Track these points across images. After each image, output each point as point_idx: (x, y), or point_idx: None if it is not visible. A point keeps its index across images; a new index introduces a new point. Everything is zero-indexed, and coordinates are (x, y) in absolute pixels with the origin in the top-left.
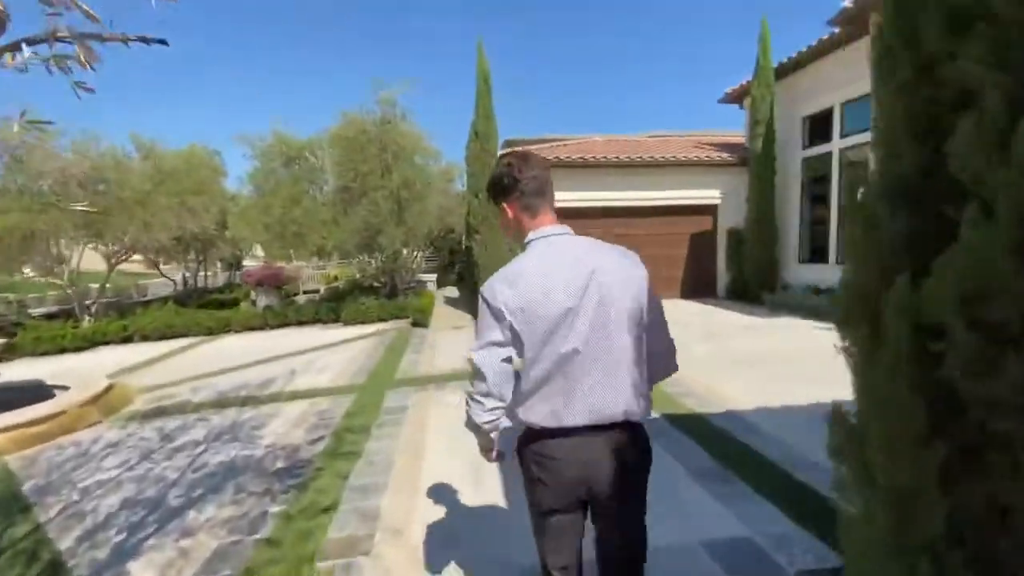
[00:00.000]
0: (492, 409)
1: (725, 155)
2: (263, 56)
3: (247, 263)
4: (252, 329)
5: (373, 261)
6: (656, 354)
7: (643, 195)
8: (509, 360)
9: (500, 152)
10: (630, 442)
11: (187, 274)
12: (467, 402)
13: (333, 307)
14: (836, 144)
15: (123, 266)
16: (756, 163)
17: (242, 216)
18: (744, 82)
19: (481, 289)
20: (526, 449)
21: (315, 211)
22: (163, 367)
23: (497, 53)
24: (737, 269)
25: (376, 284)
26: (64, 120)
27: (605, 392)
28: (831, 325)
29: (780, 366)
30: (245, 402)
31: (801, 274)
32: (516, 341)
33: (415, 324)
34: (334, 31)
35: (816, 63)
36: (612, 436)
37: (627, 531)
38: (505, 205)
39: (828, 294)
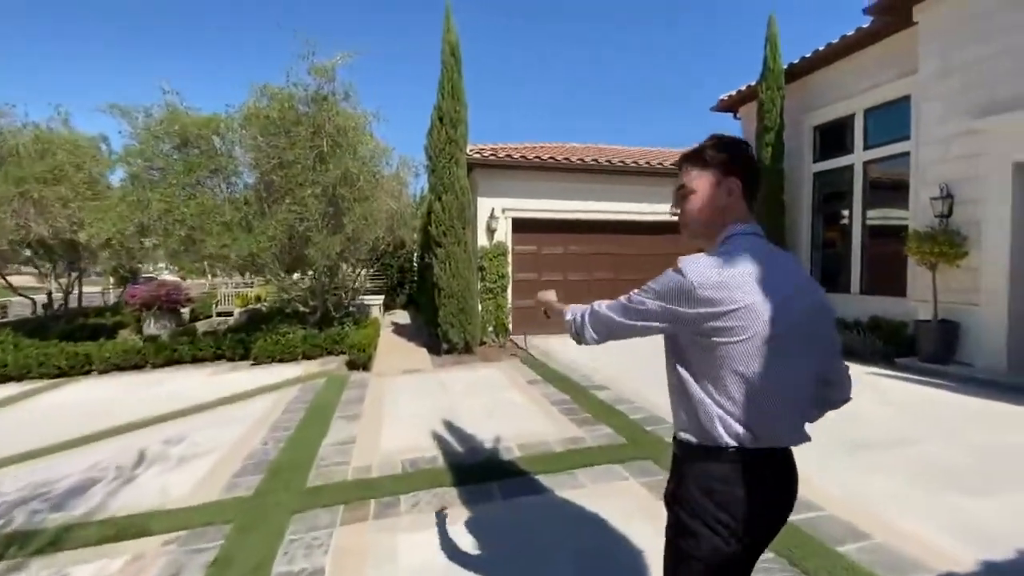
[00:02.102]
0: (594, 342)
1: None
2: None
3: (166, 277)
4: (124, 369)
5: (305, 279)
6: (834, 383)
7: (633, 208)
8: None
9: (471, 147)
10: (793, 472)
11: (55, 291)
12: (581, 319)
13: (243, 339)
14: (859, 156)
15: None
16: (763, 177)
17: (106, 212)
18: (745, 87)
19: (682, 268)
20: (699, 472)
21: (215, 210)
22: None
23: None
24: None
25: (303, 309)
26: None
27: (789, 416)
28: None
29: (889, 451)
30: (5, 550)
31: None
32: (680, 338)
33: (352, 365)
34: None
35: (831, 66)
36: (785, 462)
37: None
38: (737, 180)
39: (858, 329)
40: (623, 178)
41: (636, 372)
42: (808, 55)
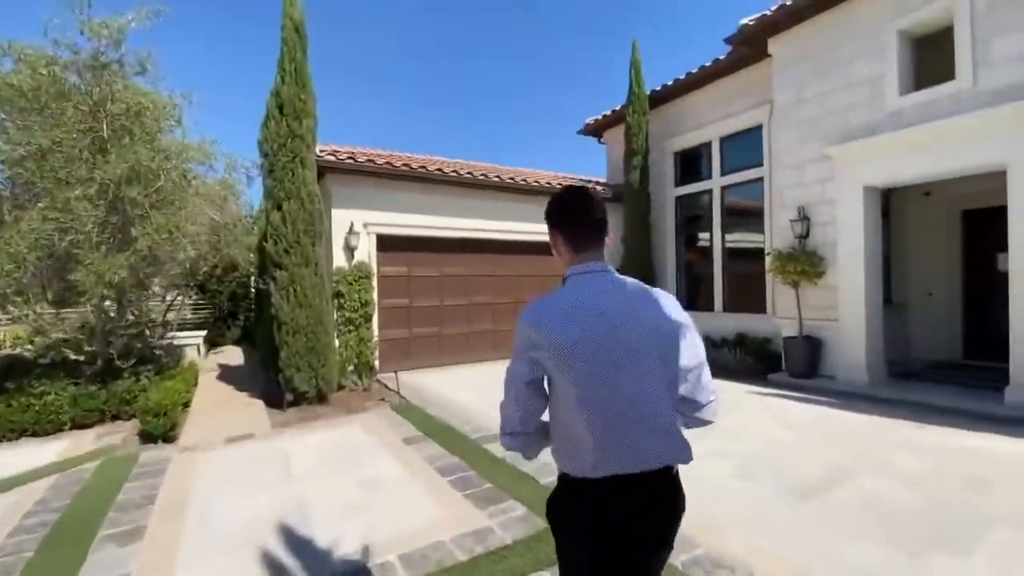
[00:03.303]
0: (512, 434)
1: (599, 188)
2: None
3: None
4: None
5: (92, 312)
6: (692, 401)
7: (512, 227)
8: (534, 386)
9: (321, 147)
10: (671, 492)
11: None
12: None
13: None
14: (717, 181)
15: None
16: (632, 199)
17: None
18: (611, 111)
19: (523, 312)
20: (564, 502)
21: None
22: None
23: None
24: None
25: (77, 357)
26: None
27: (641, 437)
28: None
29: (833, 493)
30: None
31: None
32: (541, 379)
33: (147, 437)
34: None
35: (691, 94)
36: (653, 485)
37: None
38: (556, 231)
39: (728, 346)
40: (501, 194)
41: None
42: (670, 83)
